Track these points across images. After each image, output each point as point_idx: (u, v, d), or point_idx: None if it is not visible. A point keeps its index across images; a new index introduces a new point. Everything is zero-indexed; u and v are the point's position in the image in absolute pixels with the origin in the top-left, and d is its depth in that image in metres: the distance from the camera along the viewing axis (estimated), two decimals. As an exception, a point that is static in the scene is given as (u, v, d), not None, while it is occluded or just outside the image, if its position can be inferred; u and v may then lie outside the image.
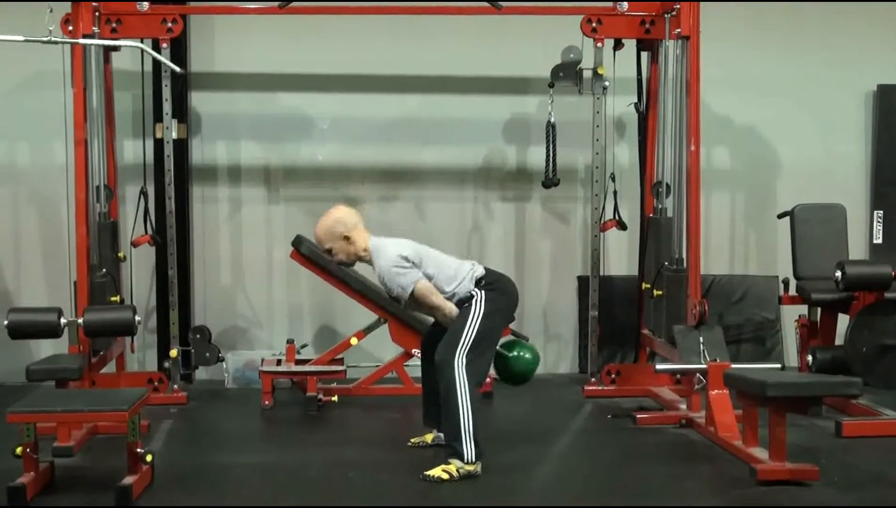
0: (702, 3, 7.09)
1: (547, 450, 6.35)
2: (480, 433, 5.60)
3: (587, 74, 7.56)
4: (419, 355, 7.12)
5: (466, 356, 5.61)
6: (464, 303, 5.77)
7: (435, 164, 8.66)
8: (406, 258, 5.74)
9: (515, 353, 6.12)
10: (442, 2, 7.70)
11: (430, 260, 5.84)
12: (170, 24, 7.34)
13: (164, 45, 7.36)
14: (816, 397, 5.59)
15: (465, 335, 5.64)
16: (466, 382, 5.58)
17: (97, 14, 7.16)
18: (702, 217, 7.22)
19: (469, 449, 5.54)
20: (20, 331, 6.45)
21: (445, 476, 5.50)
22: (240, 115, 8.50)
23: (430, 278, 5.78)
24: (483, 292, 5.77)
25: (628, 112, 8.04)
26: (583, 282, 8.50)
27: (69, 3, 7.02)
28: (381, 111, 8.57)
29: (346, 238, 5.84)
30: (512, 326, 7.78)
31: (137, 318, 6.54)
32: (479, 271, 5.86)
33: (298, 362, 7.57)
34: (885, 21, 8.78)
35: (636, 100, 7.92)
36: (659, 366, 6.89)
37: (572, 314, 8.77)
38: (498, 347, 6.04)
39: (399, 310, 7.37)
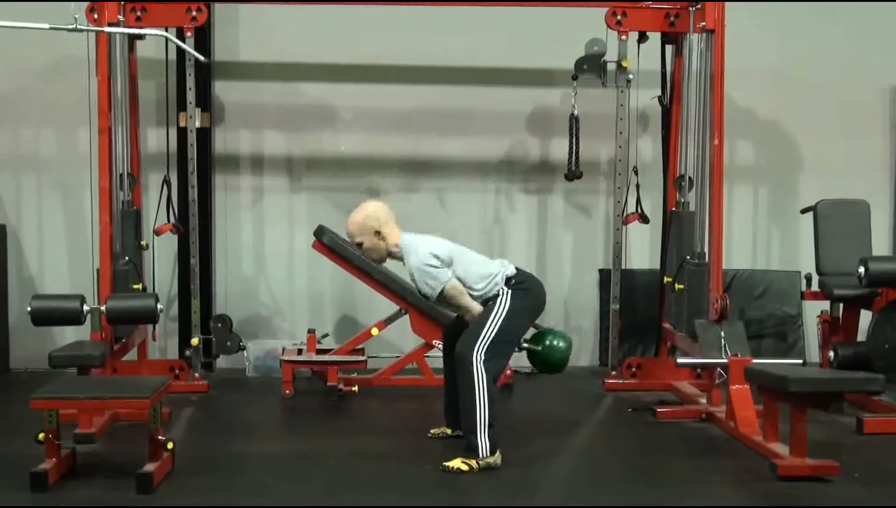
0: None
1: (566, 443, 6.35)
2: (497, 427, 5.60)
3: (611, 66, 7.54)
4: (440, 346, 7.14)
5: (486, 352, 5.61)
6: (490, 301, 5.78)
7: (457, 155, 8.66)
8: (437, 257, 5.74)
9: (548, 343, 6.10)
10: (467, -7, 7.71)
11: (461, 259, 5.84)
12: (194, 13, 7.35)
13: (189, 33, 7.38)
14: (838, 393, 5.55)
15: (486, 331, 5.65)
16: (484, 376, 5.58)
17: (122, 2, 7.17)
18: (724, 211, 7.18)
19: (483, 444, 5.54)
20: (43, 318, 6.48)
21: (465, 467, 5.50)
22: (263, 104, 8.51)
23: (460, 276, 5.78)
24: (510, 290, 5.77)
25: (652, 105, 8.03)
26: (604, 275, 8.49)
27: (95, -8, 7.05)
28: (403, 102, 8.57)
29: (378, 233, 5.85)
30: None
31: (159, 306, 6.55)
32: (510, 270, 5.85)
33: (319, 351, 7.58)
34: (909, 17, 8.75)
35: (660, 93, 7.90)
36: (680, 360, 6.89)
37: (593, 307, 8.77)
38: (528, 343, 6.05)
39: (420, 301, 7.39)
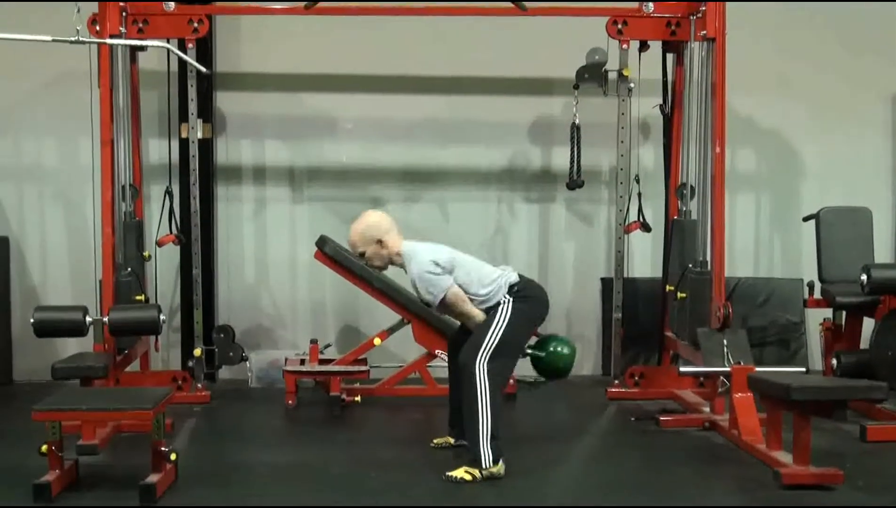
0: (727, 5, 7.07)
1: (569, 452, 6.35)
2: (500, 437, 5.60)
3: (612, 75, 7.56)
4: (443, 356, 7.15)
5: (489, 361, 5.60)
6: (493, 309, 5.78)
7: (459, 165, 8.66)
8: (438, 264, 5.75)
9: (551, 349, 6.11)
10: (468, 4, 7.70)
11: (462, 266, 5.85)
12: (196, 25, 7.37)
13: (190, 45, 7.40)
14: (841, 401, 5.55)
15: (488, 339, 5.64)
16: (488, 386, 5.57)
17: (124, 14, 7.19)
18: (726, 219, 7.18)
19: (487, 453, 5.54)
20: (46, 329, 6.49)
21: (468, 476, 5.50)
22: (264, 115, 8.52)
23: (462, 284, 5.78)
24: (512, 298, 5.77)
25: (653, 114, 8.02)
26: (606, 284, 8.48)
27: (96, 4, 7.05)
28: (405, 112, 8.58)
29: (380, 242, 5.86)
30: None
31: (162, 317, 6.56)
32: (513, 277, 5.85)
33: (322, 361, 7.58)
34: (911, 23, 8.76)
35: (661, 102, 7.90)
36: (683, 369, 6.89)
37: (596, 316, 8.76)
38: (532, 349, 6.05)
39: (423, 311, 7.39)
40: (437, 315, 7.35)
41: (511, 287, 5.80)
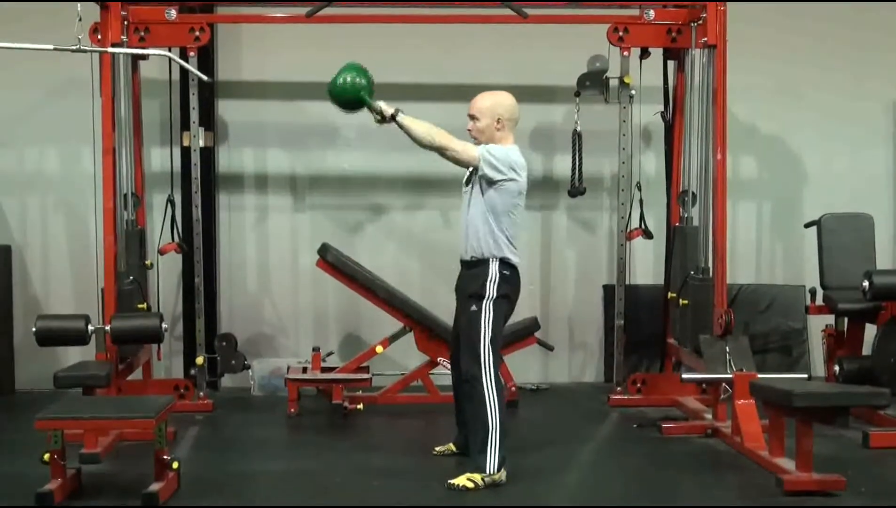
0: (728, 12, 7.07)
1: (572, 459, 6.34)
2: (505, 445, 5.59)
3: (613, 82, 7.57)
4: (445, 363, 7.15)
5: (490, 363, 5.61)
6: (482, 265, 5.70)
7: (460, 172, 8.60)
8: (513, 166, 5.67)
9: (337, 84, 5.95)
10: (468, 11, 7.71)
11: (516, 211, 5.76)
12: (197, 33, 7.38)
13: (192, 53, 7.41)
14: (843, 407, 5.55)
15: (482, 343, 5.62)
16: (495, 394, 5.58)
17: (125, 23, 7.20)
18: (728, 226, 7.17)
19: (491, 460, 5.54)
20: (48, 338, 6.50)
21: (471, 484, 5.48)
22: (266, 123, 8.53)
23: (501, 212, 5.69)
24: (496, 295, 5.67)
25: (655, 121, 8.04)
26: (608, 291, 8.48)
27: (98, 13, 7.06)
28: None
29: (499, 122, 5.78)
30: (537, 334, 7.84)
31: (164, 325, 6.57)
32: (514, 258, 5.75)
33: (324, 369, 7.59)
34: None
35: (662, 109, 7.90)
36: (685, 376, 6.88)
37: (598, 323, 8.76)
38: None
39: (425, 319, 7.41)
40: (439, 323, 7.36)
41: (503, 260, 5.73)
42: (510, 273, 5.75)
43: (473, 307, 5.70)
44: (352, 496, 5.53)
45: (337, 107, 5.95)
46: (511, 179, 5.68)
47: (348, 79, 5.90)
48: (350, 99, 5.90)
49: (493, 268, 5.70)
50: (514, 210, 5.76)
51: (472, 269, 5.76)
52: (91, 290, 7.47)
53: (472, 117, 5.84)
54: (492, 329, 5.66)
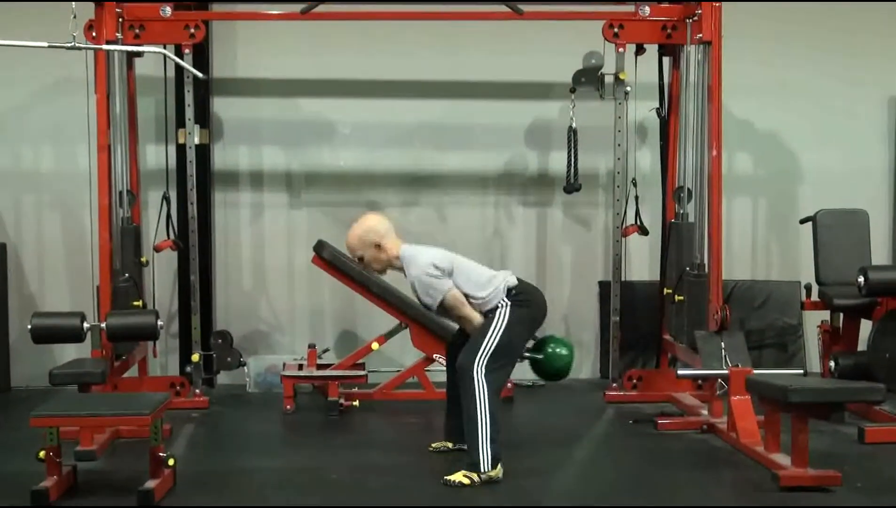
0: (723, 9, 7.08)
1: (568, 455, 6.34)
2: (499, 441, 5.59)
3: (609, 79, 7.56)
4: (441, 360, 7.15)
5: (487, 365, 5.60)
6: (491, 312, 5.78)
7: (456, 169, 8.67)
8: (437, 267, 5.74)
9: (550, 350, 6.10)
10: (463, 7, 7.71)
11: (461, 268, 5.83)
12: (192, 30, 7.37)
13: (187, 50, 7.40)
14: (839, 403, 5.56)
15: (486, 343, 5.64)
16: (486, 391, 5.57)
17: (120, 20, 7.20)
18: (723, 222, 7.20)
19: (486, 459, 5.54)
20: (44, 335, 6.50)
21: (466, 480, 5.49)
22: (262, 120, 8.53)
23: (460, 286, 5.77)
24: (510, 302, 5.76)
25: (650, 117, 8.04)
26: (604, 287, 8.49)
27: (93, 10, 7.06)
28: (402, 117, 8.58)
29: (378, 246, 5.86)
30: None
31: (160, 322, 6.57)
32: (512, 281, 5.83)
33: (320, 366, 7.58)
34: (906, 26, 8.77)
35: (658, 105, 7.90)
36: (681, 372, 6.89)
37: (594, 320, 8.77)
38: (530, 352, 6.05)
39: (421, 315, 7.39)
40: (435, 320, 7.35)
41: (510, 291, 5.79)
42: (517, 291, 5.82)
43: (490, 315, 5.77)
44: (347, 492, 5.53)
45: (547, 375, 6.24)
46: (445, 276, 5.77)
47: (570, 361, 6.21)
48: (561, 374, 6.22)
49: (504, 304, 5.80)
50: (463, 271, 5.84)
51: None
52: (86, 287, 7.48)
53: (359, 259, 5.97)
54: (501, 334, 5.69)
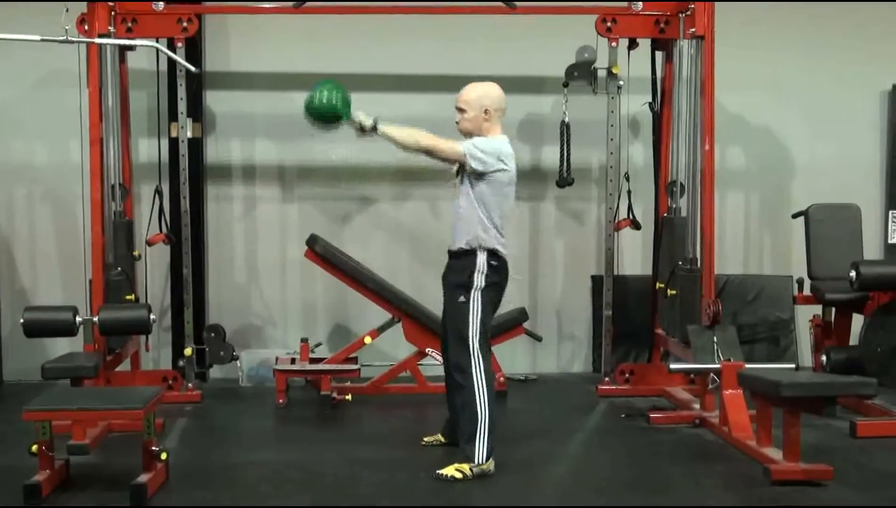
0: (716, 3, 7.08)
1: (560, 449, 6.35)
2: (495, 435, 5.61)
3: (601, 73, 7.56)
4: (433, 354, 7.17)
5: (478, 353, 5.62)
6: (469, 256, 5.71)
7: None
8: (499, 154, 5.67)
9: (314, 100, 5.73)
10: (457, 2, 7.70)
11: (502, 194, 5.74)
12: (185, 24, 7.36)
13: (179, 44, 7.40)
14: (831, 397, 5.58)
15: (471, 334, 5.64)
16: (485, 388, 5.60)
17: (113, 13, 7.19)
18: (716, 217, 7.21)
19: (480, 450, 5.56)
20: (36, 329, 6.48)
21: (459, 474, 5.50)
22: (255, 114, 8.51)
23: (484, 197, 5.67)
24: (484, 285, 5.69)
25: (643, 112, 8.05)
26: (597, 281, 8.49)
27: (85, 3, 7.04)
28: (395, 111, 8.43)
29: (487, 112, 5.77)
30: (525, 325, 7.85)
31: (152, 316, 6.55)
32: (502, 248, 5.74)
33: (312, 360, 7.58)
34: (899, 20, 8.78)
35: (650, 99, 7.91)
36: (673, 366, 6.89)
37: (586, 314, 8.77)
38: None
39: (413, 309, 7.41)
40: (427, 314, 7.37)
41: (491, 251, 5.72)
42: (498, 264, 5.75)
43: (461, 298, 5.70)
44: (340, 486, 5.53)
45: (315, 124, 5.81)
46: (500, 170, 5.68)
47: (325, 95, 5.73)
48: (329, 115, 5.76)
49: (481, 259, 5.70)
50: (504, 201, 5.77)
51: (460, 260, 5.76)
52: (79, 281, 7.47)
53: (460, 109, 5.83)
54: (480, 319, 5.67)
